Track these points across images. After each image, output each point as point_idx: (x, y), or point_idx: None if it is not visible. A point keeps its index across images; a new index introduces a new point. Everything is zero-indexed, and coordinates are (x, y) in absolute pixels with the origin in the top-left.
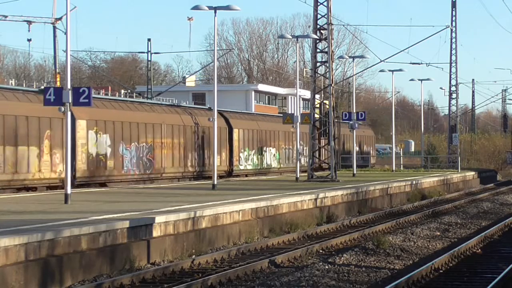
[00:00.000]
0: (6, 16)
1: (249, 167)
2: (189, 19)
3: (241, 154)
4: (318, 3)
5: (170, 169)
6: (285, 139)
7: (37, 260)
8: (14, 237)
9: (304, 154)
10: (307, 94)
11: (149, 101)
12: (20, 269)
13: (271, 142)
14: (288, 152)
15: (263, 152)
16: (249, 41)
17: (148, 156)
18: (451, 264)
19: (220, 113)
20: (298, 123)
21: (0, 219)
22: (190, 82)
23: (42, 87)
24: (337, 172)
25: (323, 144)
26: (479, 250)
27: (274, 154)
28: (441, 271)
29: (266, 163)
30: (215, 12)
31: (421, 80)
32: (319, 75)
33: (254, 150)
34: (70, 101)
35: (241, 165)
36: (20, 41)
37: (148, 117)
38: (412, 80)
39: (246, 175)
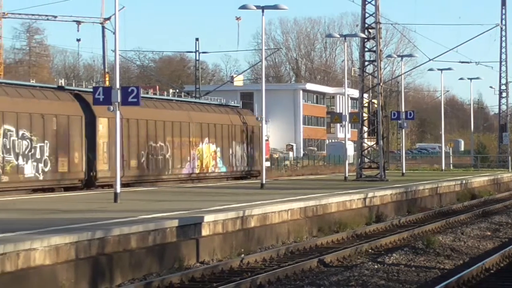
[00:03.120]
0: (55, 17)
1: None
2: (237, 18)
3: None
4: (366, 2)
5: None
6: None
7: (87, 258)
8: (64, 236)
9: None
10: (355, 93)
11: None
12: (71, 267)
13: None
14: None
15: None
16: (297, 40)
17: None
18: (502, 264)
19: None
20: (346, 122)
21: (50, 218)
22: (238, 81)
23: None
24: (386, 171)
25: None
26: None
27: None
28: (492, 271)
29: None
30: (262, 12)
31: (471, 79)
32: (367, 74)
33: None
34: (119, 101)
35: None
36: (70, 41)
37: None
38: (461, 79)
39: None
